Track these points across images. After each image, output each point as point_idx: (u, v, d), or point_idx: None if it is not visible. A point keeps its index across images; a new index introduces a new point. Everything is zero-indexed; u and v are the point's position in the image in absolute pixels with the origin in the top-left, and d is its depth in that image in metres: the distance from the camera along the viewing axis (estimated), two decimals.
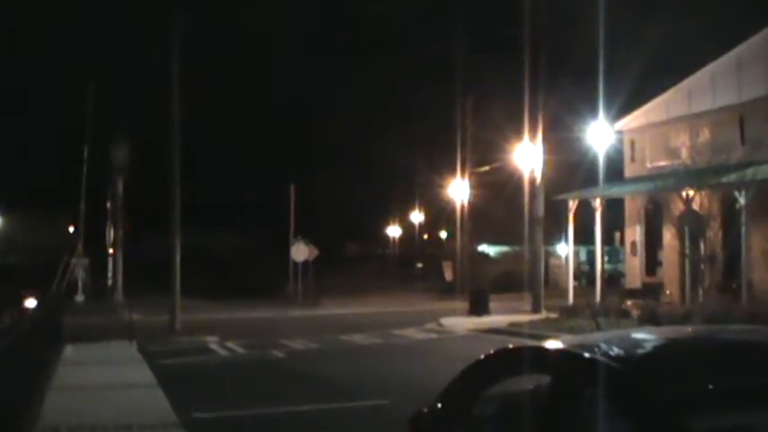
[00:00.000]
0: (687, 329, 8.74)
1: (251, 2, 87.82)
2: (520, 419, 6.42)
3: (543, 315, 40.30)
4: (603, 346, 5.87)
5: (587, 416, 5.68)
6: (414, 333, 36.82)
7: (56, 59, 79.15)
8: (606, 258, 50.87)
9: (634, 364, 5.57)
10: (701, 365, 5.50)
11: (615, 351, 5.74)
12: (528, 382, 6.70)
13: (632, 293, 41.27)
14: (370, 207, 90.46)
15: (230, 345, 32.60)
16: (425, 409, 7.12)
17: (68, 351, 28.35)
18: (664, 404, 4.98)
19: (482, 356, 6.88)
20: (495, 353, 6.86)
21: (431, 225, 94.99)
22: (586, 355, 5.79)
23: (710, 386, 5.19)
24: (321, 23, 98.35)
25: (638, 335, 6.94)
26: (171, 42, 39.38)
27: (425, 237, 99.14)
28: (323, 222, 73.04)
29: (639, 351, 6.03)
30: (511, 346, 7.24)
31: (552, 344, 6.62)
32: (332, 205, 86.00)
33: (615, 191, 44.46)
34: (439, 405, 6.86)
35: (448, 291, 63.83)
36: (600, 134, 41.55)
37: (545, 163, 44.76)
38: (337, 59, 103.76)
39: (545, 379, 6.12)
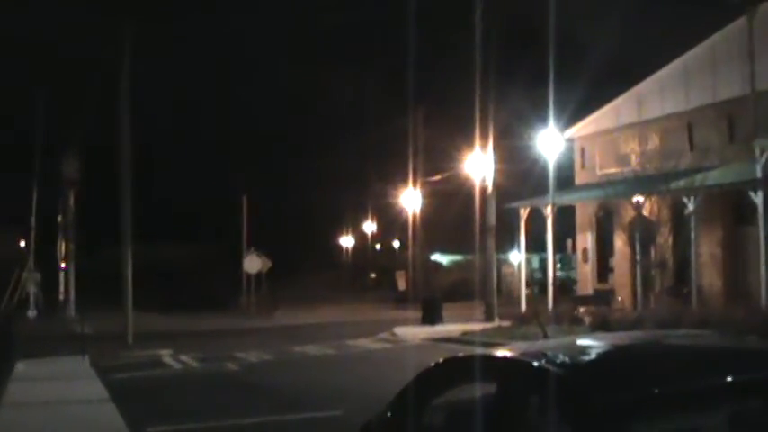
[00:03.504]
0: (632, 335, 8.82)
1: (194, 13, 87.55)
2: (469, 427, 6.46)
3: (496, 323, 40.44)
4: (549, 353, 5.94)
5: (533, 423, 5.74)
6: (367, 343, 36.85)
7: (2, 67, 78.46)
8: (558, 266, 51.18)
9: (578, 371, 5.63)
10: (645, 370, 5.56)
11: (560, 358, 5.80)
12: (479, 390, 6.75)
13: (584, 300, 41.53)
14: (322, 217, 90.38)
15: (184, 358, 32.48)
16: (375, 419, 7.16)
17: (20, 367, 28.10)
18: (607, 409, 5.04)
19: (431, 365, 6.92)
20: (445, 361, 6.90)
21: (383, 235, 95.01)
22: (531, 362, 5.85)
23: (655, 391, 5.24)
24: (272, 32, 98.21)
25: (584, 341, 7.03)
26: (121, 56, 39.25)
27: (378, 246, 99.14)
28: (275, 233, 72.85)
29: (584, 357, 6.10)
30: (461, 354, 7.29)
31: (499, 352, 6.67)
32: (284, 216, 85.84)
33: (566, 198, 44.72)
34: (389, 414, 6.90)
35: (401, 300, 63.95)
36: (550, 142, 41.75)
37: (496, 171, 44.94)
38: (286, 68, 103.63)
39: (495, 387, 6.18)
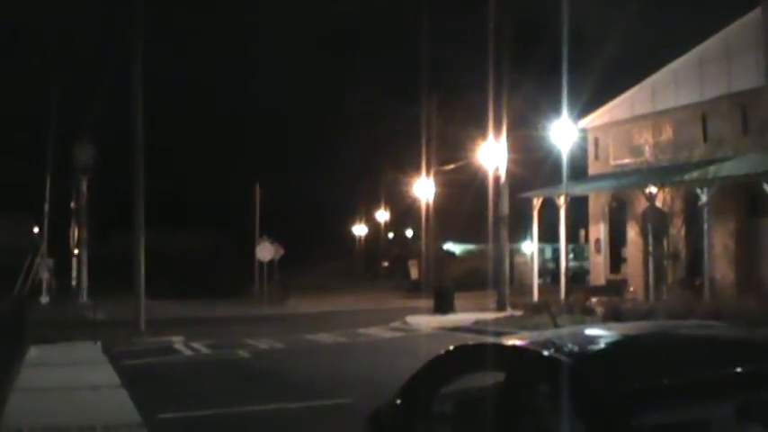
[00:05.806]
0: (641, 325, 8.80)
1: (213, 2, 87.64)
2: (478, 416, 6.45)
3: (508, 313, 40.38)
4: (557, 342, 5.93)
5: (542, 412, 5.74)
6: (379, 332, 36.82)
7: (17, 54, 78.53)
8: (571, 256, 51.18)
9: (587, 360, 5.61)
10: (654, 361, 5.55)
11: (569, 347, 5.79)
12: (489, 378, 6.74)
13: (596, 291, 41.48)
14: (335, 206, 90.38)
15: (195, 345, 32.51)
16: (384, 407, 7.16)
17: (32, 352, 28.21)
18: (616, 399, 5.03)
19: (441, 353, 6.91)
20: (454, 350, 6.89)
21: (396, 224, 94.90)
22: (540, 351, 5.84)
23: (664, 381, 5.23)
24: (285, 22, 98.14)
25: (593, 331, 7.01)
26: (133, 41, 39.25)
27: (391, 235, 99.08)
28: (288, 221, 72.84)
29: (592, 347, 6.09)
30: (470, 342, 7.27)
31: (509, 341, 6.67)
32: (297, 204, 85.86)
33: (579, 188, 44.66)
34: (398, 402, 6.89)
35: (413, 289, 64.04)
36: (564, 132, 41.69)
37: (509, 161, 44.88)
38: (303, 58, 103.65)
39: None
